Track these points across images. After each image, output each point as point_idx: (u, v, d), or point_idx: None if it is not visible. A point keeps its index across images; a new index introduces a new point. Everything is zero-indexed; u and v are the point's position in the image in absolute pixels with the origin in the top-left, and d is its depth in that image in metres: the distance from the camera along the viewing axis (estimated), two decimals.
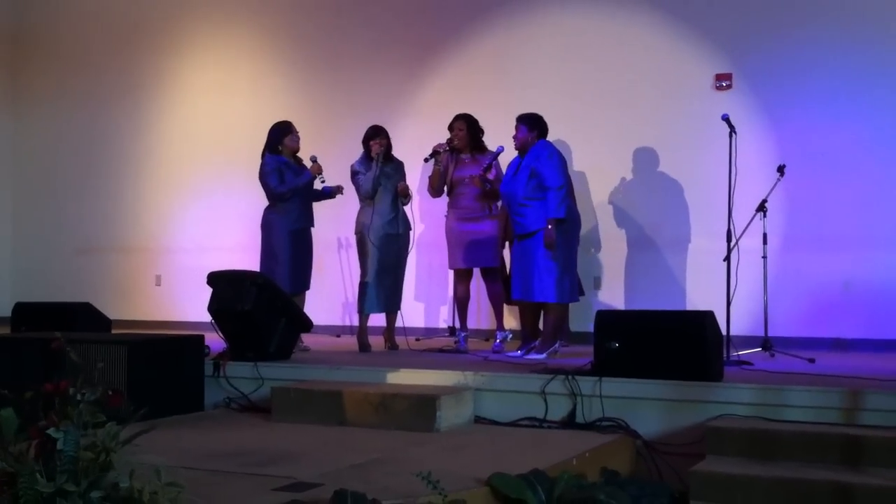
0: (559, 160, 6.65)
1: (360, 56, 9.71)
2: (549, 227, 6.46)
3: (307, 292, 7.56)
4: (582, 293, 8.09)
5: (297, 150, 7.50)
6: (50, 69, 11.55)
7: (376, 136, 7.36)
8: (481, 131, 7.41)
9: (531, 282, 6.55)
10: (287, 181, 7.30)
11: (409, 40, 9.54)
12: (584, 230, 8.11)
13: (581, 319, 7.89)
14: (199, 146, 10.52)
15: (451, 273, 7.70)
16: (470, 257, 7.29)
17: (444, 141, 7.37)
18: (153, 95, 10.86)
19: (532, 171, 6.55)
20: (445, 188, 7.42)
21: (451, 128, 7.39)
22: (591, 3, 8.81)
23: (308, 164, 7.47)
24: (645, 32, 8.52)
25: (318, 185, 7.50)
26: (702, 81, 8.31)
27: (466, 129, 7.33)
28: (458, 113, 7.46)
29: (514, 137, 6.77)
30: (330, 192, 7.61)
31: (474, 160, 7.31)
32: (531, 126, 6.73)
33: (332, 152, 7.99)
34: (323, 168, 7.40)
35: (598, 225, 8.52)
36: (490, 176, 7.17)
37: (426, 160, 7.50)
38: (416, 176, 8.46)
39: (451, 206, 7.42)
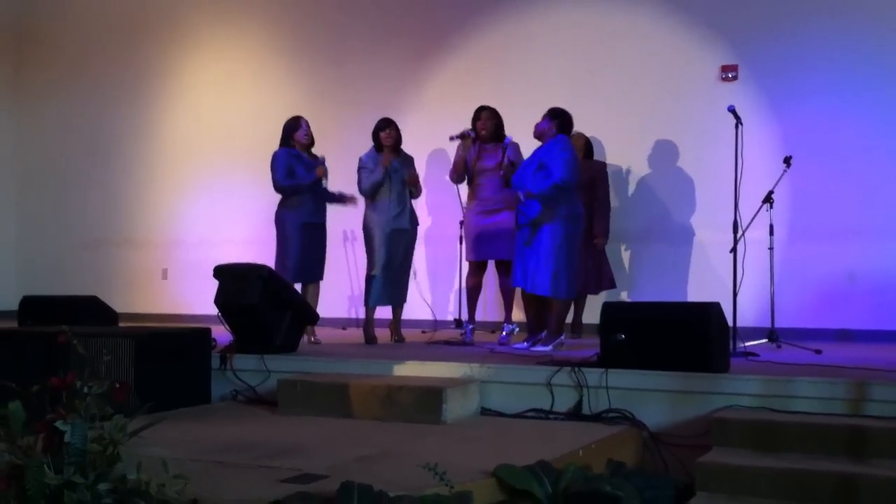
0: (570, 157, 6.52)
1: (364, 50, 9.71)
2: (522, 196, 6.46)
3: (321, 284, 7.57)
4: (613, 286, 8.08)
5: (309, 143, 7.50)
6: (54, 64, 11.57)
7: (386, 128, 7.37)
8: (502, 124, 7.38)
9: (529, 273, 6.52)
10: (298, 175, 7.33)
11: (413, 34, 9.53)
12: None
13: (593, 311, 7.89)
14: (203, 140, 10.53)
15: (458, 265, 7.69)
16: (485, 249, 7.27)
17: (463, 130, 7.32)
18: (157, 90, 10.88)
19: (540, 164, 6.52)
20: (467, 177, 7.39)
21: (477, 118, 7.33)
22: None
23: (323, 159, 7.49)
24: (650, 24, 8.51)
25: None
26: (708, 73, 8.30)
27: (494, 120, 7.29)
28: (481, 104, 7.39)
29: (535, 125, 6.71)
30: (341, 198, 7.63)
31: (495, 151, 7.28)
32: (553, 117, 6.64)
33: (335, 146, 8.00)
34: (328, 171, 7.39)
35: None
36: (504, 161, 7.16)
37: (451, 138, 7.38)
38: (423, 170, 8.45)
39: (471, 197, 7.39)
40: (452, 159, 7.49)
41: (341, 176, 7.69)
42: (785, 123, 7.97)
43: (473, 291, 7.41)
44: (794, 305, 7.61)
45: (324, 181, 7.45)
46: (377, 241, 7.30)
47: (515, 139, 7.22)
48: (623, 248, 8.55)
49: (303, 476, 3.74)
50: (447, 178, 7.68)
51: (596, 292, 7.95)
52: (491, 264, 7.48)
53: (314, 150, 7.57)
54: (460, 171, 7.37)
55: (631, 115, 8.49)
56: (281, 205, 7.48)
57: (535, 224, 6.47)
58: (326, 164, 7.44)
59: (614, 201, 8.44)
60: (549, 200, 6.42)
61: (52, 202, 11.51)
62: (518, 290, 7.10)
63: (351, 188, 7.59)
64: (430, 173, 8.67)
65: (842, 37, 7.86)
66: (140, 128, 10.96)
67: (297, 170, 7.35)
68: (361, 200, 7.55)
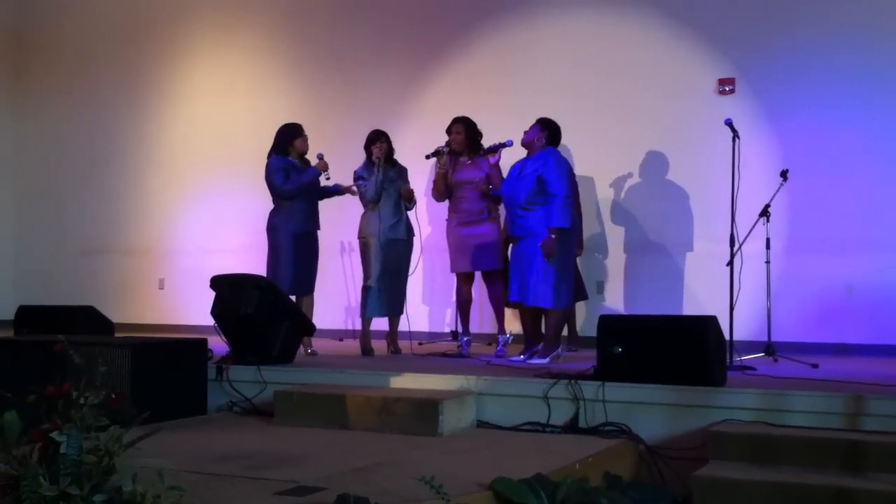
0: (567, 169, 6.64)
1: (363, 59, 9.72)
2: (552, 236, 6.44)
3: (317, 295, 7.54)
4: (586, 297, 8.10)
5: (306, 152, 7.49)
6: (53, 70, 11.59)
7: (377, 140, 7.36)
8: (479, 134, 7.38)
9: (528, 286, 6.53)
10: (292, 179, 7.30)
11: (412, 44, 9.55)
12: (586, 234, 8.14)
13: (588, 324, 7.89)
14: (201, 148, 10.54)
15: (454, 277, 7.68)
16: (471, 260, 7.27)
17: (436, 147, 7.35)
18: (156, 97, 10.89)
19: (539, 177, 6.52)
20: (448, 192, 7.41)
21: (448, 130, 7.35)
22: (594, 7, 8.82)
23: (321, 154, 7.45)
24: (648, 36, 8.53)
25: (323, 181, 7.45)
26: (705, 86, 8.31)
27: (464, 132, 7.30)
28: (456, 116, 7.44)
29: (525, 132, 6.75)
30: (337, 190, 7.58)
31: (474, 163, 7.28)
32: (543, 127, 6.70)
33: (334, 155, 7.98)
34: (329, 165, 7.38)
35: (600, 229, 8.53)
36: (493, 160, 7.14)
37: (427, 157, 7.47)
38: (419, 180, 8.44)
39: (451, 209, 7.41)
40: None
41: (339, 183, 7.68)
42: (782, 136, 7.99)
43: (465, 304, 7.41)
44: (791, 319, 7.60)
45: (326, 175, 7.37)
46: (373, 252, 7.28)
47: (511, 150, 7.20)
48: (620, 259, 8.55)
49: (299, 488, 3.73)
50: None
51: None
52: (478, 275, 7.47)
53: (307, 158, 7.53)
54: (440, 189, 7.38)
55: (628, 126, 8.50)
56: (273, 213, 7.44)
57: (533, 237, 6.50)
58: (325, 159, 7.40)
59: (611, 212, 8.45)
60: (565, 218, 6.46)
61: (49, 210, 11.50)
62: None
63: (351, 196, 7.58)
64: (430, 183, 8.67)
65: (839, 50, 7.88)
66: (137, 136, 10.96)
67: (291, 176, 7.32)
68: (355, 203, 7.52)
